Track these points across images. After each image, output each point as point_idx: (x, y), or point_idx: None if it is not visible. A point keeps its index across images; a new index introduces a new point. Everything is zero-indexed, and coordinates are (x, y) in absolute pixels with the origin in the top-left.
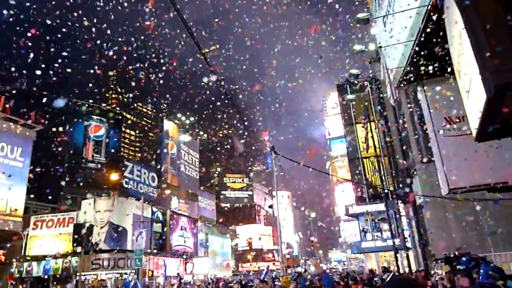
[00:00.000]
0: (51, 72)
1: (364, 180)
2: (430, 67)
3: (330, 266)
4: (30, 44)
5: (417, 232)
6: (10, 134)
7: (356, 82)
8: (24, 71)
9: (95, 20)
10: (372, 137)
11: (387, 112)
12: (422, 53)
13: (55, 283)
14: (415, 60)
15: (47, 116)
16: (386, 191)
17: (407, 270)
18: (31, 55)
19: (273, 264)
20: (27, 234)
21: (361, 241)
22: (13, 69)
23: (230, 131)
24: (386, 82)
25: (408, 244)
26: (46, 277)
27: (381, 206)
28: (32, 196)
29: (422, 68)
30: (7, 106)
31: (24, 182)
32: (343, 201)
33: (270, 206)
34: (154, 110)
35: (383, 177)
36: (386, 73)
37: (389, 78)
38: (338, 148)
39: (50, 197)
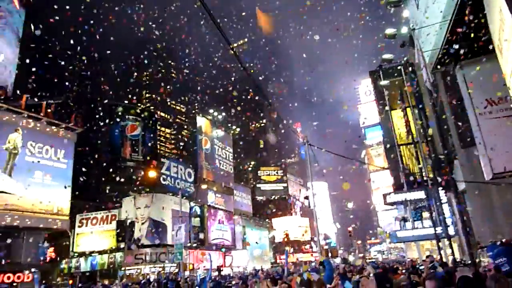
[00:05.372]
0: (87, 75)
1: (402, 168)
2: (468, 47)
3: (369, 257)
4: (65, 51)
5: (460, 220)
6: (53, 137)
7: (389, 67)
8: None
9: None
10: (409, 123)
11: (423, 97)
12: (459, 32)
13: (102, 277)
14: (451, 40)
15: (87, 118)
16: (425, 178)
17: (450, 258)
18: (67, 61)
19: (311, 255)
20: (74, 232)
21: (400, 230)
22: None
23: (262, 124)
24: (421, 65)
25: (451, 232)
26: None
27: (420, 194)
28: (76, 195)
29: (459, 48)
30: (49, 110)
31: (69, 183)
32: (380, 190)
33: (306, 197)
34: (187, 107)
35: (421, 164)
36: (420, 56)
37: (424, 61)
38: (373, 136)
39: (93, 196)
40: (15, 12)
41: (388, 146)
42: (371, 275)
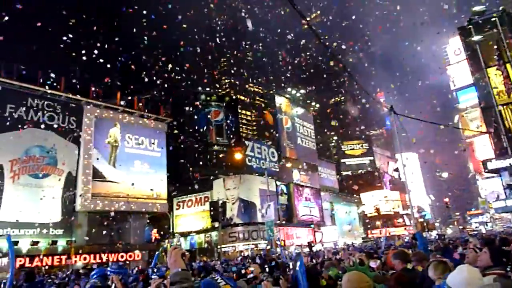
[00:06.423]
0: (170, 68)
1: (503, 130)
2: None
3: (471, 228)
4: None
5: None
6: (146, 129)
7: (481, 20)
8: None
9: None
10: (510, 79)
11: None
12: None
13: (201, 255)
14: None
15: (174, 108)
16: None
17: None
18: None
19: (404, 229)
20: (173, 214)
21: (506, 199)
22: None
23: (342, 97)
24: None
25: None
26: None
27: None
28: (171, 180)
29: None
30: (140, 104)
31: (164, 169)
32: (479, 156)
33: (396, 170)
34: (265, 88)
35: None
36: None
37: None
38: (466, 98)
39: (185, 180)
40: None
41: (485, 107)
42: (478, 248)
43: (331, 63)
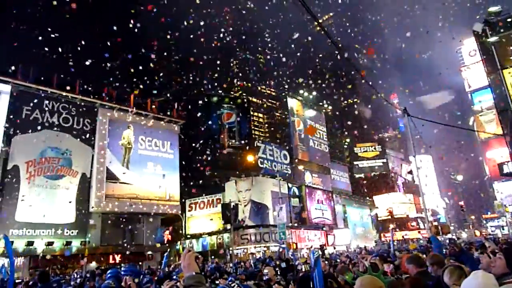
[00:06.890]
0: (183, 71)
1: None
2: None
3: (486, 232)
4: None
5: None
6: (159, 131)
7: (497, 21)
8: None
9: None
10: None
11: None
12: None
13: (213, 256)
14: None
15: (187, 110)
16: None
17: None
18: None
19: (418, 232)
20: (185, 215)
21: None
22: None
23: (355, 99)
24: None
25: None
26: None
27: None
28: (183, 182)
29: None
30: (153, 107)
31: (177, 171)
32: (495, 159)
33: (409, 172)
34: (278, 90)
35: None
36: None
37: None
38: (482, 100)
39: (198, 182)
40: None
41: (501, 109)
42: (492, 253)
43: (344, 65)
